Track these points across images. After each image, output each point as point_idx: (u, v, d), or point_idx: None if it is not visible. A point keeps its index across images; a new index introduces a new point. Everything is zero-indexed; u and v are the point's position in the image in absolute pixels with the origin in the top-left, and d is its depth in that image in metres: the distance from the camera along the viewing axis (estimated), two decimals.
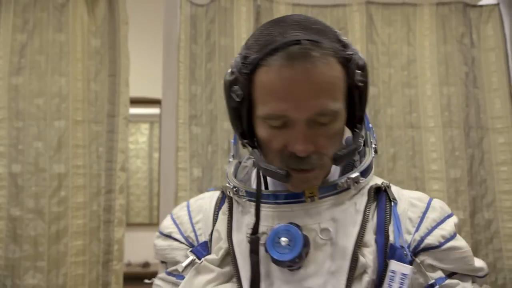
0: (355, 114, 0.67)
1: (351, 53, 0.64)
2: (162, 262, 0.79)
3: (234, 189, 0.72)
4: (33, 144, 1.51)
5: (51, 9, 1.57)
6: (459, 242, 0.70)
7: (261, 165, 0.67)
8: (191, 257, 0.71)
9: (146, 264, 3.10)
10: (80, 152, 1.54)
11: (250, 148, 0.70)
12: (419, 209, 0.72)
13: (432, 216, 0.71)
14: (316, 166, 0.65)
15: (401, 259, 0.66)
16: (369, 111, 1.61)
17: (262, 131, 0.67)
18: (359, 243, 0.66)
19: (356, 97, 0.66)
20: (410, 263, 0.67)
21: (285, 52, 0.61)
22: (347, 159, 0.69)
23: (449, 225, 0.71)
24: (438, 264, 0.68)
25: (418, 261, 0.68)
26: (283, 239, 0.64)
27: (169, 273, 0.75)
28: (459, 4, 1.72)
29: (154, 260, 2.97)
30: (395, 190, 0.75)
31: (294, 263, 0.64)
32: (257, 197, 0.69)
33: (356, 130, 0.70)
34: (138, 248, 3.11)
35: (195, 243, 0.74)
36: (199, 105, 1.63)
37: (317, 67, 0.61)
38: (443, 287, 0.67)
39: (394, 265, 0.65)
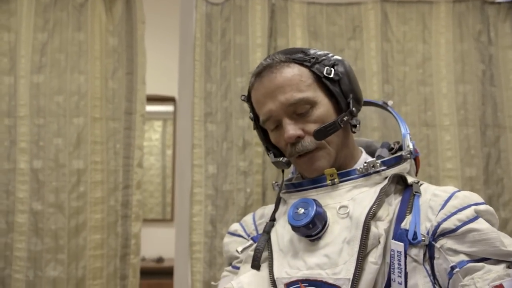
0: (338, 102, 0.82)
1: (312, 56, 0.82)
2: (228, 265, 0.93)
3: (276, 184, 0.90)
4: (53, 141, 1.55)
5: (70, 9, 1.61)
6: (480, 225, 0.69)
7: (272, 161, 0.88)
8: (250, 242, 0.86)
9: (160, 259, 3.16)
10: (98, 148, 1.58)
11: (272, 156, 0.89)
12: (441, 198, 0.75)
13: (453, 203, 0.73)
14: (310, 148, 0.80)
15: (400, 239, 0.70)
16: (383, 110, 1.61)
17: (272, 138, 0.87)
18: (371, 214, 0.72)
19: (333, 88, 0.81)
20: (426, 246, 0.70)
21: (258, 72, 0.84)
22: (325, 133, 0.80)
23: (469, 210, 0.71)
24: (459, 248, 0.69)
25: (438, 246, 0.70)
26: (299, 209, 0.75)
27: (234, 266, 0.89)
28: (477, 1, 1.70)
29: (168, 256, 3.04)
30: (424, 185, 0.80)
31: (311, 230, 0.73)
32: (280, 187, 0.89)
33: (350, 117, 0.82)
34: (152, 243, 3.19)
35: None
36: (214, 103, 1.65)
37: (279, 72, 0.81)
38: (466, 269, 0.67)
39: (393, 244, 0.70)
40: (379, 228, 0.72)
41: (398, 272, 0.68)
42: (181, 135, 1.69)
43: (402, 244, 0.69)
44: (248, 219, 0.94)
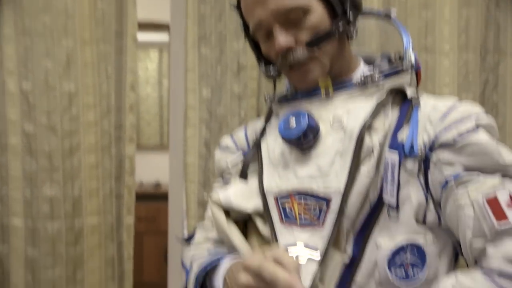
0: (334, 8, 0.75)
1: None
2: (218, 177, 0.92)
3: (268, 96, 0.85)
4: (41, 62, 1.51)
5: None
6: (479, 136, 0.66)
7: (261, 70, 0.82)
8: (240, 156, 0.85)
9: (157, 185, 3.28)
10: (89, 71, 1.54)
11: (262, 65, 0.83)
12: (441, 111, 0.71)
13: (454, 115, 0.69)
14: (302, 59, 0.74)
15: (396, 150, 0.69)
16: (380, 34, 1.56)
17: (263, 49, 0.80)
18: (366, 126, 0.70)
19: None
20: (422, 159, 0.68)
21: None
22: (320, 43, 0.75)
23: (470, 121, 0.68)
24: (455, 160, 0.66)
25: (434, 158, 0.68)
26: (291, 120, 0.72)
27: (225, 179, 0.88)
28: None
29: (165, 181, 3.11)
30: (424, 97, 0.76)
31: (301, 141, 0.71)
32: (271, 99, 0.84)
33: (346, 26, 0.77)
34: (149, 169, 3.29)
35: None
36: (208, 26, 1.59)
37: None
38: (461, 181, 0.65)
39: (388, 155, 0.69)
40: (373, 140, 0.70)
41: (391, 183, 0.67)
42: (175, 59, 1.64)
43: (397, 155, 0.67)
44: (239, 132, 0.92)
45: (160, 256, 2.94)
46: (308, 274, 0.65)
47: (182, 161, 1.57)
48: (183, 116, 1.58)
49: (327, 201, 0.68)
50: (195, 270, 0.76)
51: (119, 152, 1.57)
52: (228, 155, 0.88)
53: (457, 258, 0.74)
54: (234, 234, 0.73)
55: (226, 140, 0.92)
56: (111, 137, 1.57)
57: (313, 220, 0.68)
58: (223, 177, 0.89)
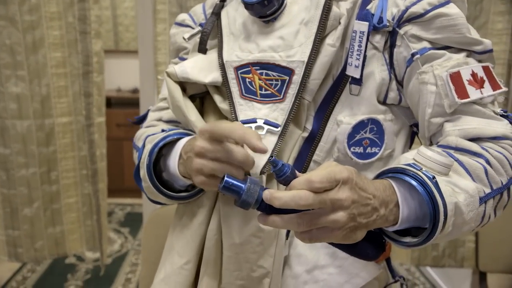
0: None
1: None
2: (174, 58, 0.84)
3: None
4: None
5: None
6: (450, 9, 0.63)
7: None
8: (198, 28, 0.77)
9: (135, 90, 3.27)
10: None
11: None
12: None
13: None
14: None
15: (365, 19, 0.65)
16: None
17: None
18: None
19: None
20: (388, 33, 0.65)
21: None
22: None
23: None
24: (423, 34, 0.64)
25: (402, 33, 0.65)
26: None
27: (181, 58, 0.81)
28: None
29: (142, 87, 3.08)
30: None
31: (266, 8, 0.65)
32: None
33: None
34: (128, 75, 3.23)
35: None
36: None
37: None
38: (426, 56, 0.63)
39: (356, 24, 0.65)
40: (341, 8, 0.66)
41: (357, 55, 0.64)
42: None
43: (367, 23, 0.63)
44: (197, 8, 0.83)
45: None
46: (267, 146, 0.63)
47: (152, 59, 1.51)
48: (152, 11, 1.49)
49: (290, 72, 0.65)
50: (148, 146, 0.69)
51: (85, 48, 1.50)
52: (185, 30, 0.81)
53: (412, 140, 0.74)
54: (190, 109, 0.69)
55: (182, 15, 0.84)
56: (76, 32, 1.48)
57: (274, 93, 0.66)
58: (180, 57, 0.82)
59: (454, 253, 1.80)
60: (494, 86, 0.64)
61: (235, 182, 0.51)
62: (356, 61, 0.64)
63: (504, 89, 0.65)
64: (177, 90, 0.69)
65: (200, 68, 0.70)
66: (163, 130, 0.72)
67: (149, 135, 0.73)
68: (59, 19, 1.45)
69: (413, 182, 0.53)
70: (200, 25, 0.78)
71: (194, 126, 0.67)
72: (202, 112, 0.72)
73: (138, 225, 2.86)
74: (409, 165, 0.55)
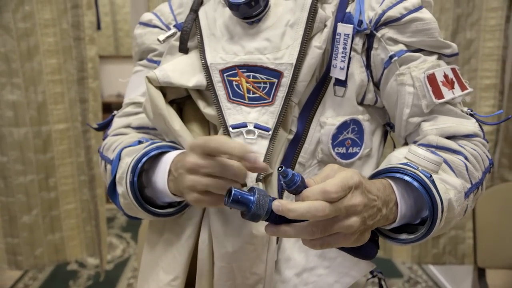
0: None
1: None
2: (139, 60, 0.79)
3: None
4: None
5: None
6: (424, 14, 0.66)
7: None
8: (173, 30, 0.73)
9: (119, 95, 3.32)
10: None
11: None
12: None
13: None
14: None
15: (348, 22, 0.65)
16: None
17: None
18: None
19: None
20: (366, 36, 0.67)
21: None
22: None
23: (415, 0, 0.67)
24: (399, 37, 0.66)
25: (379, 35, 0.66)
26: None
27: (150, 60, 0.77)
28: None
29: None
30: None
31: (252, 9, 0.64)
32: None
33: None
34: (109, 80, 3.24)
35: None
36: None
37: None
38: (403, 59, 0.66)
39: (339, 27, 0.66)
40: (326, 11, 0.66)
41: (342, 57, 0.64)
42: None
43: (351, 26, 0.64)
44: (163, 7, 0.78)
45: None
46: (260, 154, 0.62)
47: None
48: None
49: (279, 74, 0.64)
50: (126, 161, 0.64)
51: (80, 54, 1.50)
52: (153, 31, 0.76)
53: (385, 139, 0.76)
54: (174, 118, 0.65)
55: (148, 15, 0.78)
56: (70, 37, 1.49)
57: (263, 96, 0.65)
58: (148, 59, 0.77)
59: (454, 250, 1.80)
60: (462, 87, 0.67)
61: (243, 195, 0.48)
62: (341, 63, 0.65)
63: (470, 89, 0.68)
64: (159, 97, 0.65)
65: (182, 72, 0.67)
66: (140, 142, 0.67)
67: (125, 147, 0.67)
68: (53, 26, 1.46)
69: (412, 181, 0.54)
70: (176, 27, 0.74)
71: (178, 135, 0.64)
72: (182, 118, 0.69)
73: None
74: (405, 164, 0.56)
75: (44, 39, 1.45)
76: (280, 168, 0.48)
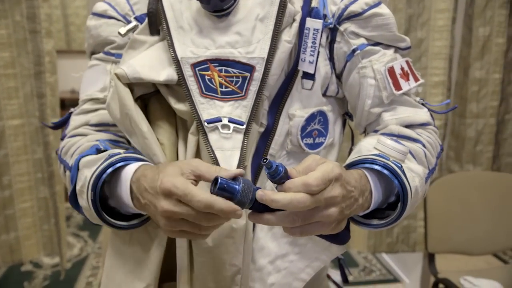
0: None
1: None
2: (93, 54, 0.76)
3: None
4: None
5: None
6: (383, 9, 0.70)
7: None
8: (134, 22, 0.70)
9: (73, 91, 3.27)
10: None
11: None
12: None
13: None
14: None
15: (317, 17, 0.68)
16: None
17: None
18: None
19: None
20: (329, 30, 0.70)
21: None
22: None
23: None
24: (361, 32, 0.69)
25: (342, 29, 0.69)
26: None
27: (107, 53, 0.73)
28: None
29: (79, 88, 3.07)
30: None
31: (224, 3, 0.64)
32: None
33: None
34: (63, 75, 3.13)
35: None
36: None
37: None
38: (365, 52, 0.69)
39: (308, 22, 0.68)
40: (294, 5, 0.67)
41: (311, 51, 0.67)
42: None
43: (321, 21, 0.66)
44: None
45: None
46: (236, 148, 0.63)
47: None
48: None
49: (251, 68, 0.65)
50: (85, 174, 0.60)
51: (36, 47, 1.45)
52: (109, 22, 0.72)
53: (344, 128, 0.80)
54: (141, 119, 0.63)
55: (102, 5, 0.74)
56: (25, 30, 1.43)
57: (235, 90, 0.65)
58: (105, 51, 0.73)
59: (407, 239, 1.90)
60: (415, 78, 0.72)
61: (229, 184, 0.50)
62: (310, 57, 0.67)
63: (422, 81, 0.73)
64: (128, 96, 0.63)
65: (150, 66, 0.65)
66: (97, 149, 0.63)
67: (82, 156, 0.63)
68: (5, 18, 1.39)
69: (388, 174, 0.57)
70: (136, 18, 0.71)
71: (144, 137, 0.63)
72: (147, 115, 0.68)
73: (98, 228, 2.79)
74: (377, 155, 0.60)
75: None
76: (265, 160, 0.50)
